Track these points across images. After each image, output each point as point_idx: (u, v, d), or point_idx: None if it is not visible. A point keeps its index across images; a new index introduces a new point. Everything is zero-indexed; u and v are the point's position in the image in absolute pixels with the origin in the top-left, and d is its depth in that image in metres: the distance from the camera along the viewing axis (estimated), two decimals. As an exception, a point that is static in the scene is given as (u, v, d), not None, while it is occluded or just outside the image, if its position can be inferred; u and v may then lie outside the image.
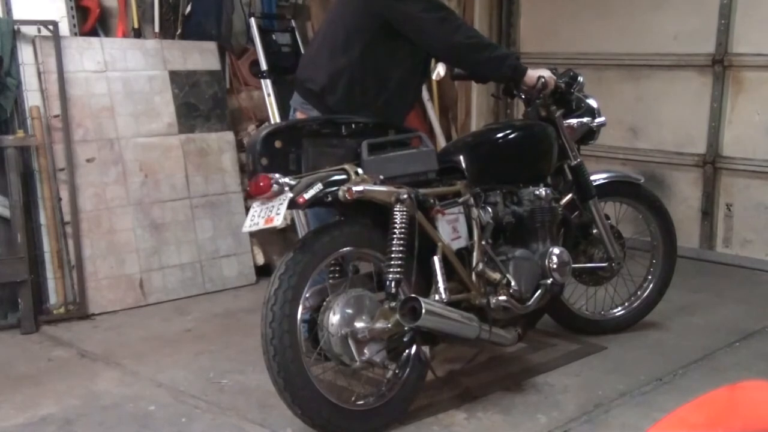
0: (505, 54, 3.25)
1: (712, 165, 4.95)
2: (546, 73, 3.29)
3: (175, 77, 4.49)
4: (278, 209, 2.58)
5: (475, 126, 5.82)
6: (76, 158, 4.10)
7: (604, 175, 3.69)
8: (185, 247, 4.43)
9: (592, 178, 3.57)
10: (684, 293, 4.23)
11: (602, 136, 3.74)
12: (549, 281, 3.18)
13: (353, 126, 2.97)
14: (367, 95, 3.10)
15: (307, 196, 2.60)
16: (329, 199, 2.66)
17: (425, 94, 5.69)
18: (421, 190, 2.87)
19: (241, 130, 4.82)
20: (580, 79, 3.49)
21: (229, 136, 4.66)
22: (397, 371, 2.86)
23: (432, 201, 2.91)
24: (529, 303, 3.16)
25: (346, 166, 2.76)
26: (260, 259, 4.68)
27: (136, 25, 4.46)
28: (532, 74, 3.23)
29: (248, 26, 4.92)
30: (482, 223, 3.10)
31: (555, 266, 3.18)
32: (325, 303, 2.74)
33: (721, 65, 4.85)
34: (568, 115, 3.50)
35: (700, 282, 4.57)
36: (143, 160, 4.33)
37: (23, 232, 3.89)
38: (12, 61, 3.93)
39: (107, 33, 4.47)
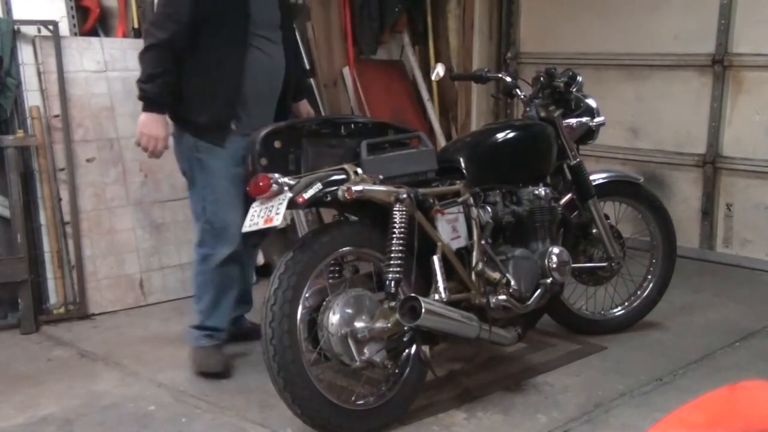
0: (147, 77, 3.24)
1: (712, 165, 4.95)
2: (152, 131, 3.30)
3: (175, 77, 4.47)
4: (278, 209, 2.58)
5: (475, 126, 5.82)
6: (76, 158, 4.10)
7: (604, 175, 3.69)
8: (185, 247, 4.41)
9: (592, 177, 3.57)
10: (684, 293, 4.23)
11: (602, 136, 3.75)
12: (549, 281, 3.19)
13: (352, 126, 2.98)
14: (217, 93, 3.17)
15: (307, 195, 2.60)
16: (329, 198, 2.66)
17: (425, 94, 5.69)
18: (421, 190, 2.87)
19: (241, 130, 4.81)
20: (579, 78, 3.49)
21: (229, 136, 4.65)
22: (397, 371, 2.86)
23: (431, 201, 2.91)
24: (529, 302, 3.16)
25: (346, 166, 2.76)
26: (260, 259, 4.68)
27: (136, 25, 4.45)
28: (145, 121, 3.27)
29: (248, 26, 4.90)
30: (482, 222, 3.10)
31: (554, 266, 3.19)
32: (324, 303, 2.74)
33: (721, 65, 4.84)
34: (567, 114, 3.50)
35: (700, 282, 4.57)
36: (143, 160, 4.30)
37: (23, 232, 3.88)
38: (12, 61, 3.93)
39: (107, 33, 4.47)
